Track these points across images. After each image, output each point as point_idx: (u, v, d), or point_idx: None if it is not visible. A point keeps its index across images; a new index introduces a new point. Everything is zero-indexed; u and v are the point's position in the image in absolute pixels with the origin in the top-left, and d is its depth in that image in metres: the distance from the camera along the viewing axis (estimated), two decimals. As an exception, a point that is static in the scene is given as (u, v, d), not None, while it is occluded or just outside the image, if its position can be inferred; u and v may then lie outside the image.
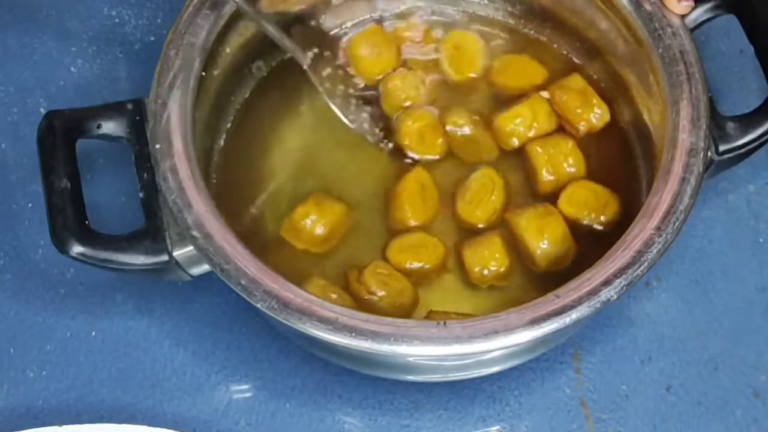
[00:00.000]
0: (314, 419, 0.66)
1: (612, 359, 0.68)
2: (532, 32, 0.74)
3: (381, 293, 0.64)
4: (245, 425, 0.66)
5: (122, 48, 0.78)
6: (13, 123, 0.76)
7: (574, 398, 0.67)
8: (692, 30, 0.66)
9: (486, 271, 0.66)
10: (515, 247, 0.67)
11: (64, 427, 0.62)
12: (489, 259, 0.66)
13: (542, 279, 0.65)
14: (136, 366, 0.68)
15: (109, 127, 0.64)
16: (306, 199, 0.68)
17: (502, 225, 0.67)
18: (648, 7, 0.66)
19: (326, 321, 0.56)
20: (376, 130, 0.71)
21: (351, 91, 0.71)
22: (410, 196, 0.68)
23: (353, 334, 0.56)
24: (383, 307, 0.64)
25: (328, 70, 0.70)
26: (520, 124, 0.69)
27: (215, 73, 0.67)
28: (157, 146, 0.61)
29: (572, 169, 0.68)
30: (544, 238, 0.65)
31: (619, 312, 0.69)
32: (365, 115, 0.71)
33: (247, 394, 0.67)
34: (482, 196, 0.67)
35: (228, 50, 0.68)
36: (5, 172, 0.74)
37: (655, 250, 0.58)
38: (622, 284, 0.57)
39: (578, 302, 0.56)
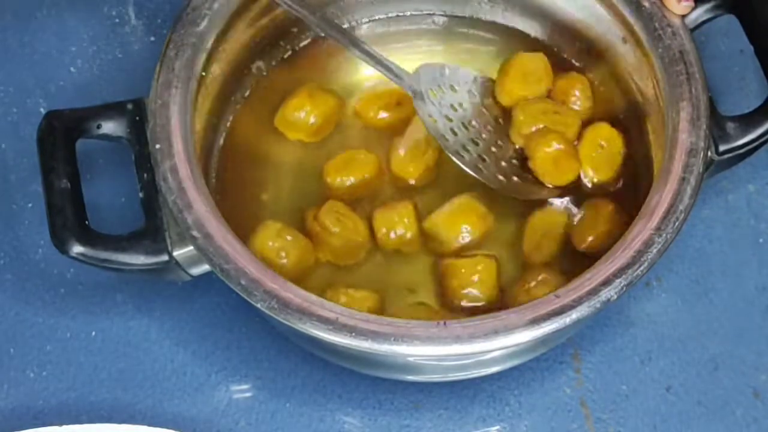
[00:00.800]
0: (314, 419, 0.66)
1: (612, 359, 0.68)
2: (531, 32, 0.74)
3: (335, 229, 0.65)
4: (245, 425, 0.66)
5: (122, 48, 0.78)
6: (13, 123, 0.76)
7: (574, 398, 0.67)
8: (692, 30, 0.66)
9: (392, 234, 0.66)
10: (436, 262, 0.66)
11: (64, 427, 0.62)
12: (398, 222, 0.66)
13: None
14: (136, 366, 0.68)
15: (109, 127, 0.64)
16: (299, 92, 0.69)
17: (432, 187, 0.68)
18: (648, 6, 0.66)
19: (326, 321, 0.56)
20: (483, 157, 0.67)
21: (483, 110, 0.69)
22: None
23: (353, 334, 0.56)
24: (335, 243, 0.65)
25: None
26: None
27: (215, 73, 0.67)
28: (157, 146, 0.61)
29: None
30: (469, 279, 0.64)
31: (619, 312, 0.69)
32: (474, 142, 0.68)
33: (247, 394, 0.67)
34: (416, 152, 0.67)
35: (228, 50, 0.68)
36: (5, 172, 0.74)
37: (655, 250, 0.58)
38: (622, 284, 0.57)
39: (578, 302, 0.56)
